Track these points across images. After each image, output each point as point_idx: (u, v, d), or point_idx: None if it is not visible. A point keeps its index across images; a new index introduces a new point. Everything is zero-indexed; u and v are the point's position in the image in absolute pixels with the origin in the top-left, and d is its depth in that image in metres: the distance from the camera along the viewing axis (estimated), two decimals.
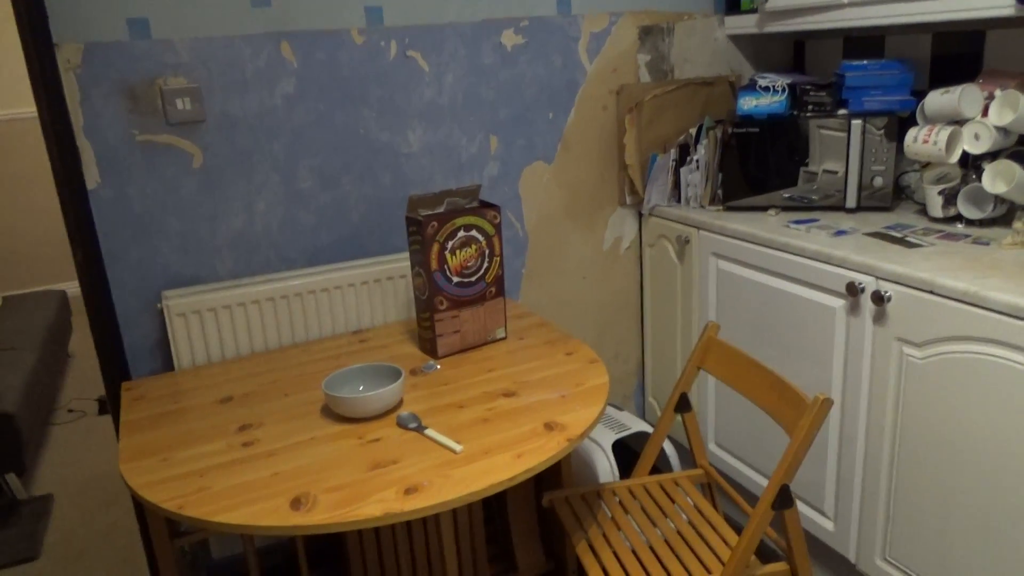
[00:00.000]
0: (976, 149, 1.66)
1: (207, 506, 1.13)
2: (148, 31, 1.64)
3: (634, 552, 1.44)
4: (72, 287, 4.78)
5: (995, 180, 1.61)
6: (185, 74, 1.69)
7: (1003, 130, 1.62)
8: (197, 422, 1.41)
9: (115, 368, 1.75)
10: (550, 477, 1.73)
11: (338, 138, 1.87)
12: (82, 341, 4.01)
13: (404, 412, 1.38)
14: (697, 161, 2.11)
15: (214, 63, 1.71)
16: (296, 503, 1.12)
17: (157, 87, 1.67)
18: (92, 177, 1.66)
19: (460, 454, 1.24)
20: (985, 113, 1.65)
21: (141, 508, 1.85)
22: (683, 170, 2.14)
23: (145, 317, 1.77)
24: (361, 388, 1.46)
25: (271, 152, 1.81)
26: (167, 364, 1.81)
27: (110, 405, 1.77)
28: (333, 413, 1.41)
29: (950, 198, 1.74)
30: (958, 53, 1.93)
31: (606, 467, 2.01)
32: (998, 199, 1.67)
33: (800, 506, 1.83)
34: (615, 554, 1.43)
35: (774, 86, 2.02)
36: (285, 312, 1.80)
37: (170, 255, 1.77)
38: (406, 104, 1.93)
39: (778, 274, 1.79)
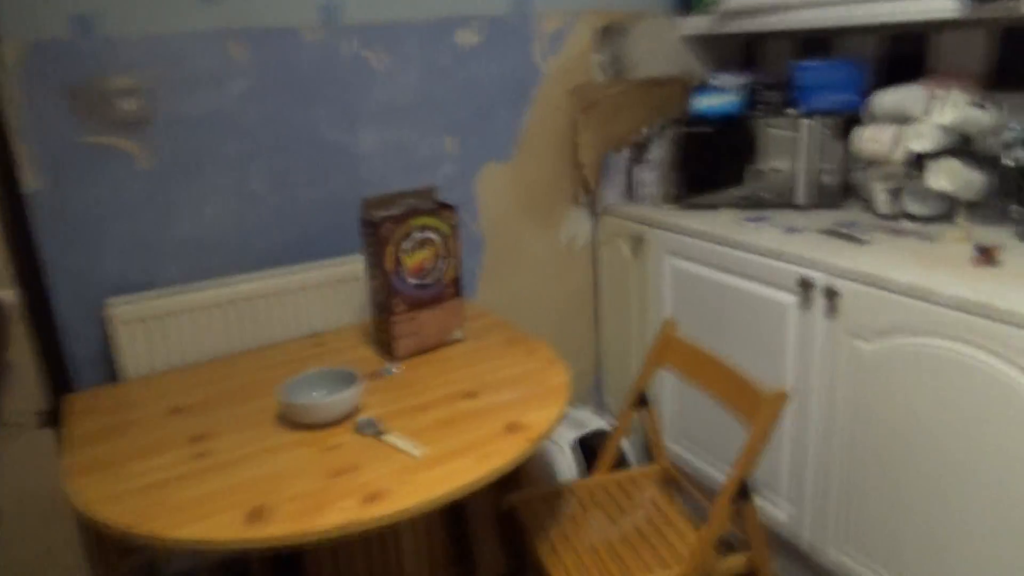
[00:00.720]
0: (921, 147, 1.70)
1: (159, 521, 1.09)
2: (92, 29, 1.58)
3: (596, 550, 1.45)
4: (9, 295, 4.60)
5: (939, 178, 1.66)
6: (131, 73, 1.63)
7: (947, 129, 1.67)
8: (146, 434, 1.37)
9: (57, 380, 1.68)
10: (510, 478, 1.73)
11: (291, 139, 1.83)
12: (21, 352, 3.86)
13: (363, 417, 1.36)
14: (652, 160, 2.13)
15: (161, 62, 1.66)
16: (253, 515, 1.09)
17: (101, 87, 1.61)
18: (31, 180, 1.59)
19: (422, 459, 1.22)
20: (930, 112, 1.70)
21: (87, 526, 1.78)
22: (637, 169, 2.16)
23: (89, 325, 1.71)
24: (317, 394, 1.43)
25: (221, 153, 1.76)
26: (113, 374, 1.75)
27: (52, 419, 1.70)
28: (289, 421, 1.38)
29: (896, 195, 1.78)
30: (903, 54, 1.98)
31: (566, 466, 2.01)
32: (942, 196, 1.72)
33: (757, 499, 1.86)
34: (577, 553, 1.44)
35: (727, 85, 2.04)
36: (237, 317, 1.75)
37: (115, 260, 1.71)
38: (360, 104, 1.90)
39: (732, 271, 1.81)
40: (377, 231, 1.52)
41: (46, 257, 1.64)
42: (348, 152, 1.91)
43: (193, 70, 1.69)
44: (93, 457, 1.29)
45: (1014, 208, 1.68)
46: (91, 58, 1.59)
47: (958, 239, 1.59)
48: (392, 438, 1.28)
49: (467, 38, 2.00)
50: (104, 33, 1.59)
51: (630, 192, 2.20)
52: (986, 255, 1.45)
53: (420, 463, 1.21)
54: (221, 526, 1.07)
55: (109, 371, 1.75)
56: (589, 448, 2.11)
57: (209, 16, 1.69)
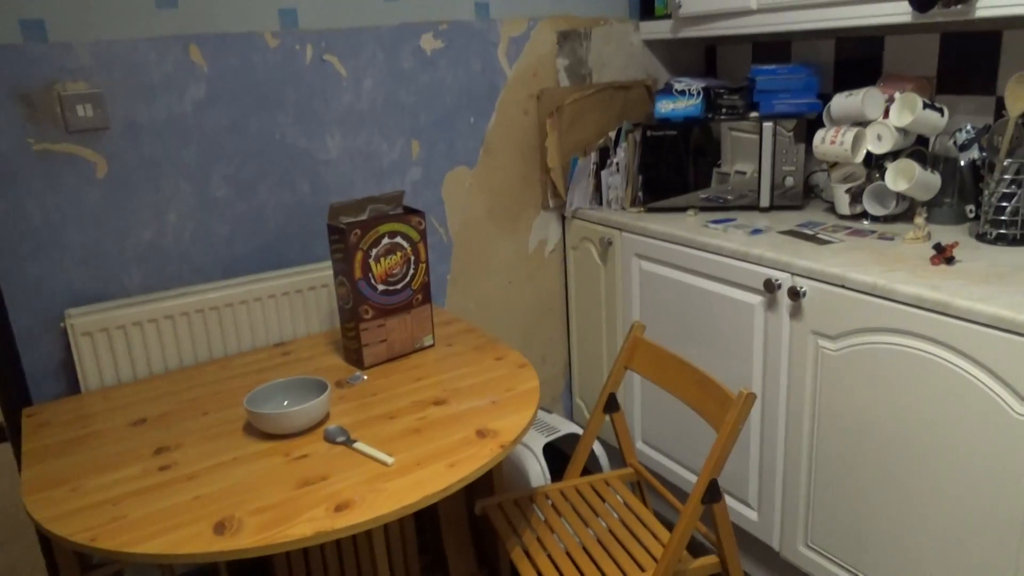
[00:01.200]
0: (879, 149, 1.74)
1: (122, 536, 1.06)
2: (44, 33, 1.54)
3: (568, 554, 1.44)
4: None
5: (897, 178, 1.70)
6: (86, 79, 1.60)
7: (903, 131, 1.71)
8: (108, 447, 1.33)
9: (14, 393, 1.63)
10: (482, 484, 1.72)
11: (253, 145, 1.81)
12: None
13: (331, 426, 1.34)
14: (617, 164, 2.14)
15: (117, 67, 1.62)
16: (220, 527, 1.07)
17: (55, 93, 1.57)
18: None
19: (392, 466, 1.21)
20: (886, 115, 1.74)
21: (48, 542, 1.73)
22: (604, 173, 2.17)
23: (47, 337, 1.66)
24: (285, 403, 1.41)
25: (182, 160, 1.73)
26: (73, 387, 1.71)
27: (9, 433, 1.65)
28: (257, 431, 1.35)
29: (856, 196, 1.82)
30: (860, 58, 2.03)
31: (537, 471, 2.01)
32: (900, 196, 1.76)
33: (726, 498, 1.88)
34: (550, 557, 1.43)
35: (689, 90, 2.07)
36: (202, 327, 1.72)
37: (73, 271, 1.67)
38: (324, 109, 1.88)
39: (699, 273, 1.83)
40: (345, 238, 1.50)
41: (1, 267, 1.60)
42: (313, 158, 1.90)
43: (151, 76, 1.66)
44: (53, 471, 1.26)
45: (969, 207, 1.72)
46: (45, 64, 1.55)
47: (917, 238, 1.63)
48: (362, 446, 1.27)
49: (431, 43, 1.99)
50: (58, 38, 1.56)
51: (598, 196, 2.22)
52: (943, 254, 1.48)
53: (390, 471, 1.20)
54: (187, 539, 1.04)
55: (69, 383, 1.70)
56: (560, 452, 2.11)
57: (167, 22, 1.66)
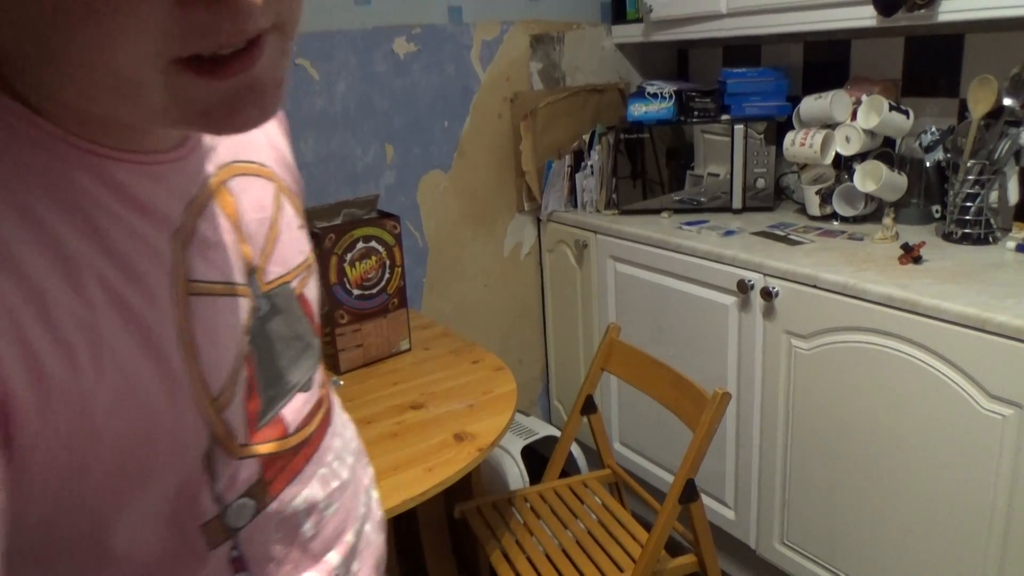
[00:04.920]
0: (847, 151, 1.77)
1: None
2: None
3: (547, 556, 1.45)
4: None
5: (865, 180, 1.72)
6: None
7: (870, 133, 1.74)
8: None
9: None
10: (460, 487, 1.72)
11: None
12: None
13: None
14: (591, 167, 2.15)
15: None
16: None
17: None
18: None
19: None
20: (854, 117, 1.77)
21: None
22: (578, 176, 2.18)
23: None
24: None
25: None
26: None
27: None
28: None
29: (826, 197, 1.85)
30: (827, 61, 2.06)
31: (516, 474, 2.01)
32: (869, 197, 1.79)
33: (703, 498, 1.90)
34: (529, 560, 1.44)
35: (661, 93, 2.08)
36: None
37: None
38: (296, 113, 1.87)
39: (673, 274, 1.85)
40: (319, 242, 1.50)
41: None
42: None
43: None
44: None
45: (935, 207, 1.76)
46: None
47: (885, 238, 1.66)
48: None
49: (404, 47, 1.99)
50: None
51: (572, 199, 2.23)
52: (911, 253, 1.51)
53: None
54: None
55: None
56: (539, 455, 2.11)
57: None
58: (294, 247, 0.59)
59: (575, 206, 2.22)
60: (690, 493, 1.35)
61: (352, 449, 0.65)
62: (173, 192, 0.47)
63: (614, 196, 2.13)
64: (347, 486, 0.61)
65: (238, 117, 0.40)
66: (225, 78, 0.38)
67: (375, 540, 0.65)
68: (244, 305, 0.52)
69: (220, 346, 0.48)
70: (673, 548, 1.53)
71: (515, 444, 2.09)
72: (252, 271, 0.53)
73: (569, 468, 2.08)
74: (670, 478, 2.03)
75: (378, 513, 0.68)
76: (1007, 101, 1.52)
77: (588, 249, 2.11)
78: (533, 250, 2.36)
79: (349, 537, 0.60)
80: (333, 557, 0.58)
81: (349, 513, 0.61)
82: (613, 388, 2.12)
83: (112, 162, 0.43)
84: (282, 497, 0.53)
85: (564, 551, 1.46)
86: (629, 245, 1.96)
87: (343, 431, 0.64)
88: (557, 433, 2.11)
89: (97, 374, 0.39)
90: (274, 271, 0.56)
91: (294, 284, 0.58)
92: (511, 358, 2.40)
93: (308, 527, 0.55)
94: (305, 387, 0.58)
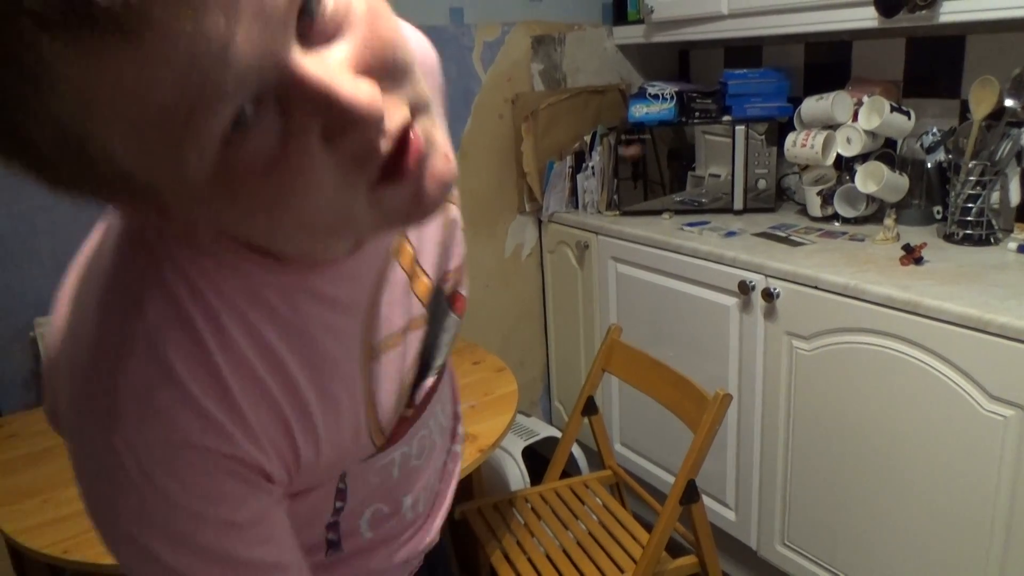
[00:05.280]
0: (849, 152, 1.77)
1: (95, 548, 1.05)
2: None
3: (548, 557, 1.45)
4: None
5: (866, 180, 1.72)
6: None
7: (871, 133, 1.74)
8: None
9: None
10: (461, 488, 1.72)
11: None
12: None
13: None
14: (592, 168, 2.15)
15: None
16: None
17: None
18: None
19: None
20: (855, 118, 1.77)
21: (19, 556, 1.70)
22: (579, 177, 2.18)
23: (16, 347, 1.63)
24: None
25: None
26: (43, 397, 1.68)
27: None
28: None
29: (827, 198, 1.84)
30: (829, 62, 2.06)
31: (517, 475, 2.01)
32: (870, 198, 1.79)
33: (704, 499, 1.89)
34: (530, 561, 1.44)
35: (663, 94, 2.09)
36: None
37: (43, 280, 1.64)
38: None
39: (674, 275, 1.85)
40: None
41: None
42: None
43: None
44: (23, 484, 1.23)
45: (937, 208, 1.76)
46: None
47: (886, 239, 1.66)
48: None
49: None
50: None
51: (574, 200, 2.23)
52: (912, 254, 1.51)
53: None
54: None
55: (39, 394, 1.67)
56: (539, 455, 2.11)
57: None
58: (457, 252, 0.67)
59: (576, 207, 2.22)
60: (691, 494, 1.35)
61: (447, 412, 0.75)
62: (359, 281, 0.54)
63: (615, 197, 2.13)
64: (435, 445, 0.70)
65: (428, 199, 0.43)
66: (407, 174, 0.41)
67: (443, 490, 0.77)
68: (416, 338, 0.61)
69: (393, 392, 0.59)
70: (674, 549, 1.53)
71: (516, 445, 2.09)
72: (427, 296, 0.62)
73: (570, 469, 2.08)
74: (671, 479, 2.03)
75: (452, 467, 0.79)
76: (1008, 102, 1.52)
77: (589, 250, 2.11)
78: (534, 251, 2.36)
79: (425, 484, 0.71)
80: (407, 500, 0.68)
81: (430, 464, 0.71)
82: (614, 389, 2.12)
83: (316, 275, 0.50)
84: (388, 451, 0.62)
85: (565, 552, 1.46)
86: (630, 246, 1.96)
87: (444, 392, 0.72)
88: (558, 434, 2.11)
89: (315, 448, 0.52)
90: (446, 285, 0.65)
91: (454, 285, 0.67)
92: (512, 359, 2.40)
93: (396, 472, 0.64)
94: (439, 370, 0.66)
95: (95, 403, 0.44)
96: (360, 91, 0.37)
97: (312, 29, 0.37)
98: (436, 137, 0.43)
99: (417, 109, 0.42)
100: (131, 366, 0.43)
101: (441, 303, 0.65)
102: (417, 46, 0.60)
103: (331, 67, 0.37)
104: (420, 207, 0.43)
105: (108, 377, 0.44)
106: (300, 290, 0.49)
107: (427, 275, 0.61)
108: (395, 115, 0.40)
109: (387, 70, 0.39)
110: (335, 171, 0.39)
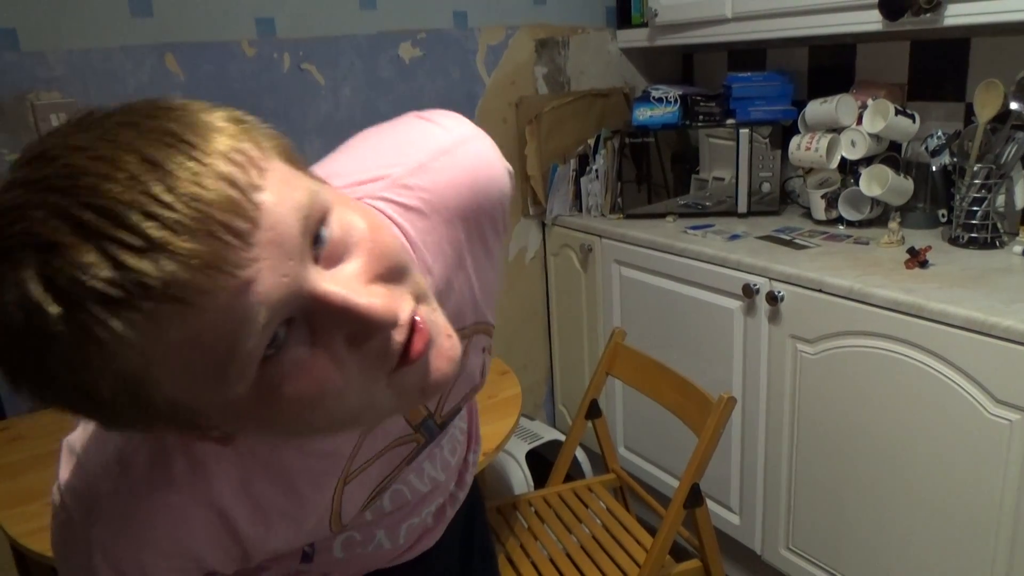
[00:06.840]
0: (853, 155, 1.77)
1: None
2: (16, 43, 1.52)
3: (552, 561, 1.44)
4: None
5: (871, 184, 1.72)
6: (60, 88, 1.58)
7: (876, 137, 1.74)
8: None
9: None
10: None
11: None
12: None
13: None
14: (596, 171, 2.15)
15: (91, 76, 1.61)
16: None
17: (28, 103, 1.55)
18: None
19: None
20: (859, 121, 1.77)
21: (23, 558, 1.70)
22: (583, 180, 2.18)
23: None
24: None
25: None
26: None
27: None
28: None
29: (832, 201, 1.84)
30: (833, 65, 2.06)
31: (520, 478, 2.01)
32: (874, 201, 1.79)
33: (708, 503, 1.89)
34: (533, 565, 1.43)
35: (666, 97, 2.08)
36: None
37: None
38: (302, 118, 1.88)
39: (678, 278, 1.85)
40: None
41: None
42: None
43: (126, 85, 1.65)
44: (28, 487, 1.24)
45: (942, 211, 1.75)
46: (16, 73, 1.53)
47: (891, 243, 1.65)
48: None
49: (409, 52, 2.00)
50: (31, 48, 1.54)
51: (577, 203, 2.23)
52: (917, 257, 1.51)
53: None
54: None
55: None
56: (543, 459, 2.11)
57: (142, 30, 1.65)
58: (467, 383, 0.69)
59: (580, 210, 2.22)
60: (695, 498, 1.34)
61: (459, 439, 0.78)
62: (350, 434, 0.59)
63: (619, 200, 2.13)
64: (420, 496, 0.74)
65: (438, 375, 0.48)
66: (418, 357, 0.46)
67: (434, 527, 0.81)
68: (401, 453, 0.65)
69: (363, 498, 0.64)
70: (678, 553, 1.53)
71: (520, 448, 2.08)
72: (417, 419, 0.65)
73: (574, 472, 2.08)
74: (675, 483, 2.02)
75: (450, 511, 0.83)
76: (1014, 105, 1.52)
77: (593, 253, 2.11)
78: (538, 254, 2.36)
79: (410, 524, 0.75)
80: (379, 534, 0.72)
81: (415, 511, 0.75)
82: (618, 392, 2.12)
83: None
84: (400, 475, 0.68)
85: (569, 556, 1.45)
86: (634, 249, 1.96)
87: (443, 453, 0.75)
88: (562, 437, 2.10)
89: (266, 550, 0.59)
90: (448, 407, 0.68)
91: (453, 413, 0.70)
92: (516, 362, 2.39)
93: (369, 516, 0.69)
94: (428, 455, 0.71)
95: (80, 503, 0.58)
96: (375, 300, 0.42)
97: (324, 253, 0.42)
98: (438, 320, 0.48)
99: (419, 298, 0.47)
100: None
101: (432, 427, 0.68)
102: (487, 179, 0.66)
103: (346, 283, 0.42)
104: (432, 383, 0.48)
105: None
106: (291, 446, 0.55)
107: (424, 406, 0.66)
108: (404, 308, 0.45)
109: (392, 273, 0.45)
110: (359, 367, 0.44)
